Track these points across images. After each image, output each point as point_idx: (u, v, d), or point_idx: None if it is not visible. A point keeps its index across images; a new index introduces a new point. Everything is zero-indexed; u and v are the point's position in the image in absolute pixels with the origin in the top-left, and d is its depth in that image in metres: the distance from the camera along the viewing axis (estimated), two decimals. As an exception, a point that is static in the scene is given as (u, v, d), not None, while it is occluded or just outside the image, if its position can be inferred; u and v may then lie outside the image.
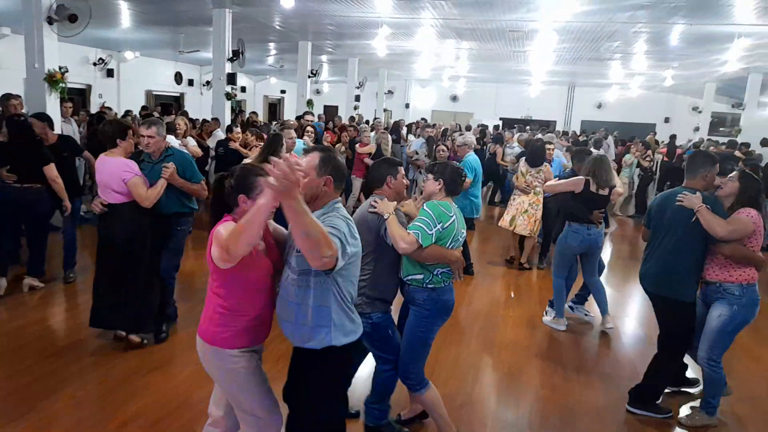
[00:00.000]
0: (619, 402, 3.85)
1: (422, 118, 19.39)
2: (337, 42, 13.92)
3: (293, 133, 5.23)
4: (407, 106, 24.14)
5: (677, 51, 11.93)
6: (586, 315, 5.36)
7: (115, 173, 3.87)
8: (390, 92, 22.94)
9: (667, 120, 21.92)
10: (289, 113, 19.38)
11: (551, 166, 6.96)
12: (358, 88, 17.67)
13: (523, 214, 6.61)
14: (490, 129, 16.87)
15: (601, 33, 10.52)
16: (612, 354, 4.80)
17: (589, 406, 3.80)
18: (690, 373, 4.09)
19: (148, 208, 3.94)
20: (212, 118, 10.52)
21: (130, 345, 4.12)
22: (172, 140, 7.47)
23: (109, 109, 12.33)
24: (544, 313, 5.36)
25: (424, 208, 2.87)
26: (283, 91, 24.33)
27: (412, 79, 24.03)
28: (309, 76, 13.80)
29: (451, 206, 2.95)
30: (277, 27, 11.84)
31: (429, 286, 2.93)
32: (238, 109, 14.74)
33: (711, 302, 3.45)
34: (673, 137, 14.80)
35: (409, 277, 2.96)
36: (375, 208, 2.85)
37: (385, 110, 21.03)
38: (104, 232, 4.03)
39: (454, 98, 24.10)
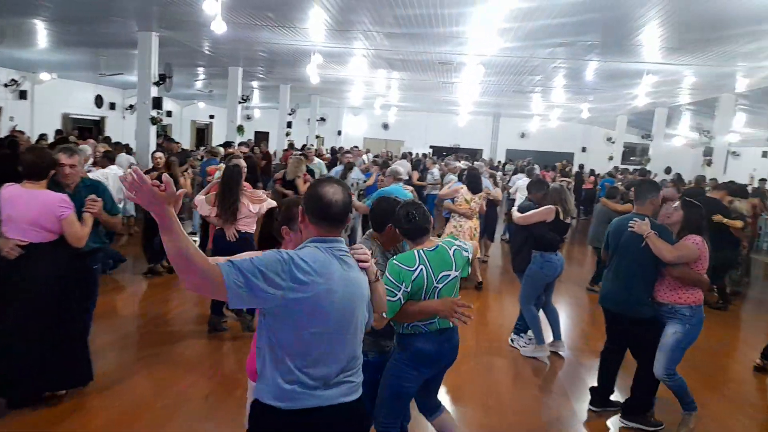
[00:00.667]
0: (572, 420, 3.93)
1: (354, 146, 19.48)
2: (269, 69, 13.84)
3: (243, 163, 5.09)
4: (339, 133, 24.29)
5: (592, 85, 12.78)
6: (526, 345, 5.36)
7: (50, 209, 3.37)
8: (322, 119, 23.01)
9: (584, 149, 23.31)
10: (219, 139, 18.92)
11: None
12: (290, 114, 17.59)
13: (473, 239, 6.88)
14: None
15: (523, 67, 11.10)
16: (563, 374, 4.85)
17: (554, 427, 3.85)
18: (614, 397, 4.19)
19: (80, 247, 3.51)
20: (115, 143, 10.08)
21: (38, 398, 3.60)
22: (118, 171, 7.07)
23: (21, 132, 11.56)
24: (512, 342, 5.34)
25: (386, 273, 2.57)
26: (212, 116, 23.81)
27: (345, 106, 24.26)
28: (239, 102, 13.59)
29: (415, 258, 2.60)
30: (207, 52, 11.62)
31: (401, 332, 2.74)
32: (163, 134, 14.26)
33: (664, 322, 3.68)
34: (581, 167, 15.81)
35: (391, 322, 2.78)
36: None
37: (317, 137, 21.02)
38: (20, 276, 3.40)
39: (386, 126, 24.52)
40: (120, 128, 18.06)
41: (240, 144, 10.68)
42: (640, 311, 3.68)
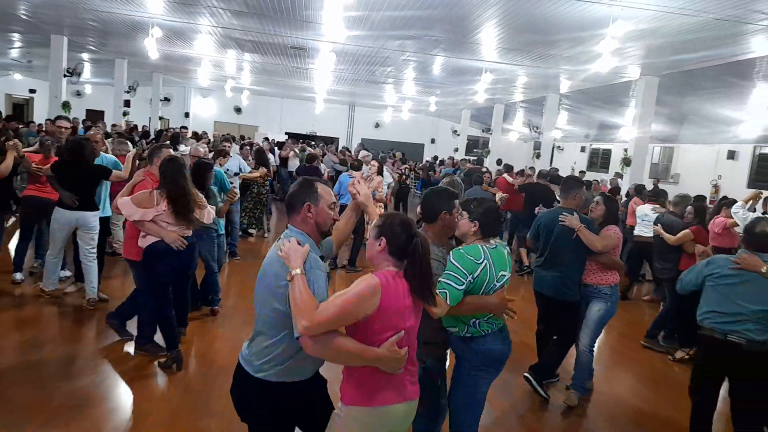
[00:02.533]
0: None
1: (201, 131, 18.42)
2: (102, 40, 12.48)
3: (171, 152, 4.33)
4: (187, 115, 22.79)
5: (439, 80, 13.46)
6: None
7: None
8: (167, 99, 21.40)
9: (433, 141, 24.59)
10: (41, 116, 16.60)
11: None
12: (128, 92, 16.08)
13: None
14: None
15: (375, 58, 11.31)
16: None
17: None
18: None
19: None
20: None
21: None
22: None
23: None
24: None
25: (451, 260, 2.52)
26: (32, 91, 20.93)
27: (193, 86, 22.80)
28: (65, 75, 12.07)
29: (481, 251, 2.57)
30: (23, 16, 10.12)
31: (467, 336, 2.65)
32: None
33: (588, 301, 4.16)
34: (436, 158, 16.68)
35: (448, 328, 2.71)
36: None
37: (161, 118, 19.50)
38: None
39: (239, 110, 23.52)
40: None
41: (57, 118, 7.37)
42: (570, 294, 4.10)
